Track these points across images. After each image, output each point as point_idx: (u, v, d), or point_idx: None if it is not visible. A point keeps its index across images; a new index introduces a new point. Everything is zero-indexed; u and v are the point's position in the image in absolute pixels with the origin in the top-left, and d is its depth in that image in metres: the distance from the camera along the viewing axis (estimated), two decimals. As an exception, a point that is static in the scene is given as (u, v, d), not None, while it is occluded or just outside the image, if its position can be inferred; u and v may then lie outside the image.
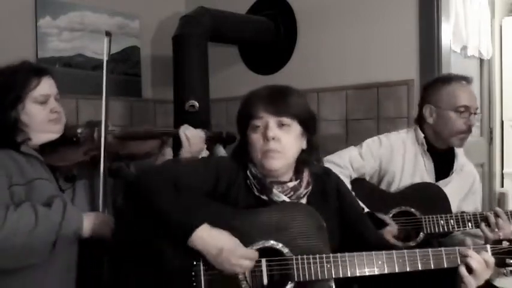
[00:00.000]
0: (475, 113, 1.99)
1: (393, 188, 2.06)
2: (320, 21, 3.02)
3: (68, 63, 3.05)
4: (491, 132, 3.75)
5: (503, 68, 3.80)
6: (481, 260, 1.29)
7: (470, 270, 1.29)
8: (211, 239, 1.27)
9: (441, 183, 2.02)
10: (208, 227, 1.28)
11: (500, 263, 1.34)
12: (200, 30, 2.85)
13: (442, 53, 2.62)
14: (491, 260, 1.31)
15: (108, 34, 1.66)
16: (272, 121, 1.38)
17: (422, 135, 2.05)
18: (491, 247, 1.34)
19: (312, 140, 1.47)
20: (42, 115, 1.60)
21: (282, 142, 1.38)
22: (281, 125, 1.39)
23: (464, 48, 3.25)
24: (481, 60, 3.65)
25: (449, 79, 2.03)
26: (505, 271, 1.39)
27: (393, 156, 2.07)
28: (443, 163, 2.06)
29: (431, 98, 2.03)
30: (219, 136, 1.94)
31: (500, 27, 3.83)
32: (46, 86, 1.61)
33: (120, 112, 3.28)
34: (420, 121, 2.08)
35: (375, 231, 1.56)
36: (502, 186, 3.83)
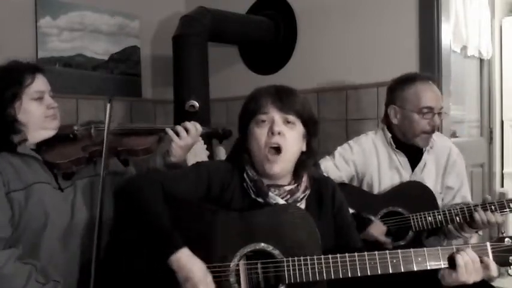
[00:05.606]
0: (439, 113, 2.00)
1: (375, 189, 2.08)
2: (320, 21, 3.02)
3: (68, 63, 3.04)
4: (491, 132, 3.75)
5: (503, 68, 3.79)
6: (468, 259, 1.26)
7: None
8: (184, 265, 1.27)
9: (417, 171, 2.05)
10: (186, 252, 1.28)
11: (503, 262, 1.27)
12: (200, 30, 2.84)
13: (442, 53, 2.61)
14: (477, 259, 1.26)
15: (110, 101, 1.66)
16: (278, 117, 1.40)
17: (390, 135, 2.08)
18: (491, 245, 1.28)
19: (311, 143, 1.49)
20: (40, 111, 1.60)
21: (286, 138, 1.39)
22: (287, 122, 1.41)
23: (464, 48, 3.26)
24: (481, 60, 3.65)
25: (414, 79, 2.03)
26: (510, 269, 1.31)
27: (367, 159, 2.10)
28: (418, 153, 2.08)
29: (396, 99, 2.05)
30: (216, 132, 1.93)
31: (500, 27, 3.82)
32: (40, 83, 1.62)
33: (120, 112, 3.27)
34: (387, 121, 2.10)
35: (360, 241, 1.55)
36: (502, 186, 3.83)
